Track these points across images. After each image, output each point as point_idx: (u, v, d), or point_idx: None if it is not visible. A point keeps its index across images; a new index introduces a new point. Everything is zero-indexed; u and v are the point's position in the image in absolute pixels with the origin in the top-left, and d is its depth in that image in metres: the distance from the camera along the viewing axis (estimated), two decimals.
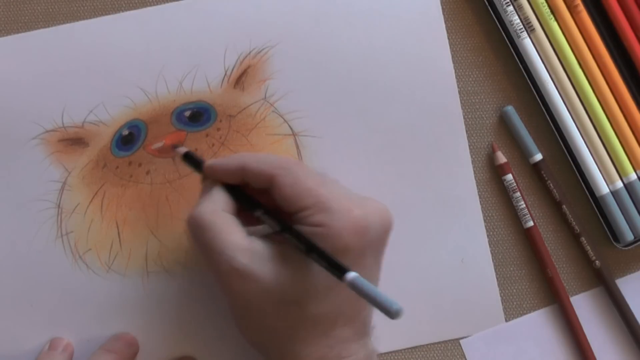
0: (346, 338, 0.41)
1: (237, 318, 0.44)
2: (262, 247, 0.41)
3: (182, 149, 0.47)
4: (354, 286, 0.36)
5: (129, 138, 0.49)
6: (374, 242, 0.41)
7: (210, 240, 0.41)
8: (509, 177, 0.50)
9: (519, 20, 0.50)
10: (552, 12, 0.50)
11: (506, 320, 0.50)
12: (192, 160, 0.46)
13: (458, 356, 0.50)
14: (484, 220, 0.50)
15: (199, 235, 0.41)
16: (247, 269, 0.40)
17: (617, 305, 0.50)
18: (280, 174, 0.41)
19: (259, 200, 0.42)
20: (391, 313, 0.35)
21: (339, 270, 0.37)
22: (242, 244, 0.41)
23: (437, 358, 0.50)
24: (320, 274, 0.39)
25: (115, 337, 0.48)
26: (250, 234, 0.42)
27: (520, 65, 0.50)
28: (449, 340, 0.50)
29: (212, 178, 0.44)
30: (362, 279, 0.36)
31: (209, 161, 0.44)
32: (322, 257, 0.38)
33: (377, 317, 0.45)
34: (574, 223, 0.50)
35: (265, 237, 0.42)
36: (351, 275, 0.36)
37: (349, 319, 0.41)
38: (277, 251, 0.41)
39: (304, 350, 0.41)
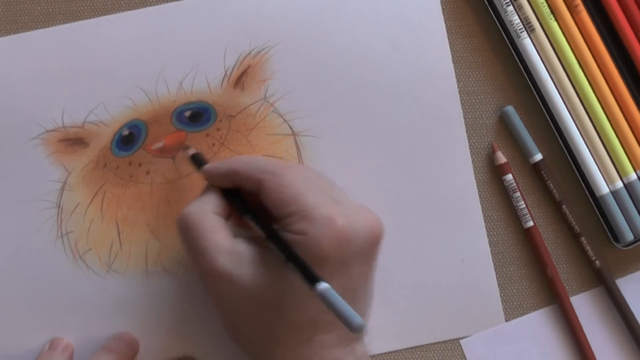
0: (329, 344, 0.41)
1: (222, 319, 0.44)
2: (246, 249, 0.41)
3: (192, 151, 0.47)
4: (321, 297, 0.36)
5: (129, 138, 0.49)
6: (359, 252, 0.41)
7: (194, 240, 0.41)
8: (509, 177, 0.50)
9: (519, 20, 0.50)
10: (552, 12, 0.50)
11: (506, 320, 0.50)
12: (199, 162, 0.46)
13: (458, 356, 0.50)
14: (484, 220, 0.50)
15: (184, 234, 0.42)
16: (227, 270, 0.40)
17: (617, 305, 0.50)
18: (266, 178, 0.41)
19: (255, 204, 0.42)
20: (352, 327, 0.34)
21: (312, 280, 0.37)
22: (225, 246, 0.41)
23: (437, 358, 0.50)
24: (300, 280, 0.39)
25: (115, 337, 0.48)
26: (239, 236, 0.42)
27: (520, 65, 0.50)
28: (449, 340, 0.50)
29: (209, 181, 0.44)
30: (332, 291, 0.36)
31: (207, 165, 0.45)
32: (298, 265, 0.38)
33: (376, 318, 0.45)
34: (574, 223, 0.50)
35: (253, 240, 0.42)
36: (321, 286, 0.36)
37: (332, 325, 0.41)
38: (261, 255, 0.41)
39: (287, 355, 0.41)
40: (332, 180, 0.44)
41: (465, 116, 0.51)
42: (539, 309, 0.51)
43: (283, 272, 0.40)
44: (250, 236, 0.42)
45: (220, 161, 0.45)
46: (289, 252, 0.39)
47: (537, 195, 0.51)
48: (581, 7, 0.49)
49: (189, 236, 0.41)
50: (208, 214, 0.42)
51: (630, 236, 0.49)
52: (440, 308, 0.50)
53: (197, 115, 0.49)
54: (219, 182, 0.44)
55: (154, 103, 0.49)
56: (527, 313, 0.51)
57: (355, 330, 0.34)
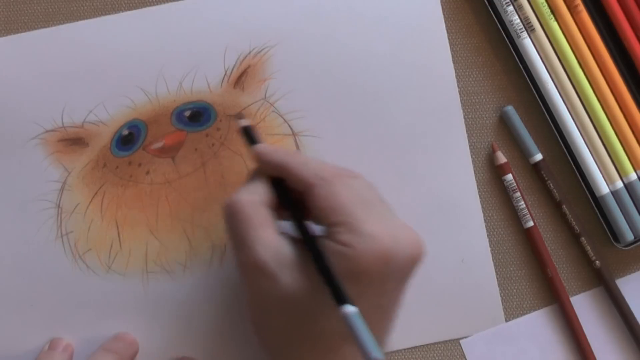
0: (355, 356, 0.41)
1: (252, 314, 0.43)
2: (289, 251, 0.40)
3: (245, 122, 0.46)
4: (346, 319, 0.36)
5: (128, 138, 0.49)
6: (397, 271, 0.40)
7: (242, 231, 0.40)
8: (509, 177, 0.50)
9: (519, 20, 0.50)
10: (552, 12, 0.50)
11: (506, 320, 0.50)
12: (250, 138, 0.45)
13: (458, 356, 0.50)
14: (484, 220, 0.50)
15: (232, 223, 0.41)
16: (270, 268, 0.40)
17: (617, 305, 0.50)
18: (318, 184, 0.40)
19: (294, 198, 0.42)
20: (369, 359, 0.35)
21: (340, 299, 0.37)
22: (272, 243, 0.40)
23: (437, 358, 0.50)
24: None
25: (115, 337, 0.48)
26: (283, 230, 0.41)
27: (520, 65, 0.50)
28: (449, 340, 0.50)
29: (257, 163, 0.44)
30: (358, 316, 0.36)
31: (260, 146, 0.44)
32: (330, 280, 0.38)
33: None
34: (574, 223, 0.50)
35: (296, 242, 0.41)
36: (348, 309, 0.36)
37: None
38: (302, 260, 0.40)
39: None
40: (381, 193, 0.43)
41: (465, 116, 0.51)
42: (539, 309, 0.51)
43: (320, 280, 0.39)
44: (287, 230, 0.42)
45: (273, 148, 0.44)
46: (324, 265, 0.38)
47: (537, 195, 0.51)
48: (581, 7, 0.49)
49: (236, 226, 0.41)
50: (258, 207, 0.41)
51: (630, 236, 0.49)
52: (440, 308, 0.50)
53: (196, 115, 0.49)
54: (264, 169, 0.43)
55: (154, 103, 0.49)
56: (527, 313, 0.51)
57: None
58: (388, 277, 0.40)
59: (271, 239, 0.40)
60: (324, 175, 0.41)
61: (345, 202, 0.40)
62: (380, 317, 0.40)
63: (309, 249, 0.39)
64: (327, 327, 0.40)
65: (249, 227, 0.40)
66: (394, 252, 0.39)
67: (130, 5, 0.50)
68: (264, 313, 0.42)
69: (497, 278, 0.50)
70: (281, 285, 0.40)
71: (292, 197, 0.42)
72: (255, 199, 0.41)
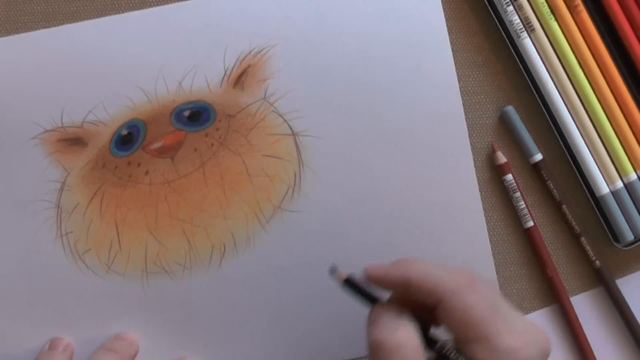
0: None
1: None
2: None
3: (343, 275, 0.41)
4: None
5: (128, 138, 0.49)
6: None
7: None
8: (509, 177, 0.50)
9: (519, 20, 0.50)
10: (552, 12, 0.49)
11: None
12: (356, 287, 0.41)
13: None
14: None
15: None
16: None
17: (617, 305, 0.50)
18: (449, 298, 0.38)
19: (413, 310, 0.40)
20: None
21: None
22: None
23: None
24: None
25: (116, 337, 0.48)
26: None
27: (520, 65, 0.50)
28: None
29: (370, 281, 0.40)
30: None
31: (371, 265, 0.40)
32: None
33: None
34: (574, 223, 0.50)
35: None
36: None
37: None
38: None
39: None
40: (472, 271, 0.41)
41: (466, 116, 0.50)
42: (539, 309, 0.51)
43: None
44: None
45: (388, 264, 0.40)
46: None
47: (537, 195, 0.51)
48: (581, 7, 0.49)
49: None
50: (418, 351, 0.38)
51: (630, 236, 0.49)
52: None
53: (196, 114, 0.49)
54: (382, 284, 0.40)
55: (153, 103, 0.49)
56: (527, 313, 0.51)
57: None
58: None
59: None
60: (453, 288, 0.38)
61: (480, 315, 0.38)
62: None
63: None
64: None
65: None
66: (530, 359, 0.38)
67: (130, 5, 0.50)
68: None
69: (497, 278, 0.50)
70: None
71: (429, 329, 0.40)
72: (412, 340, 0.38)
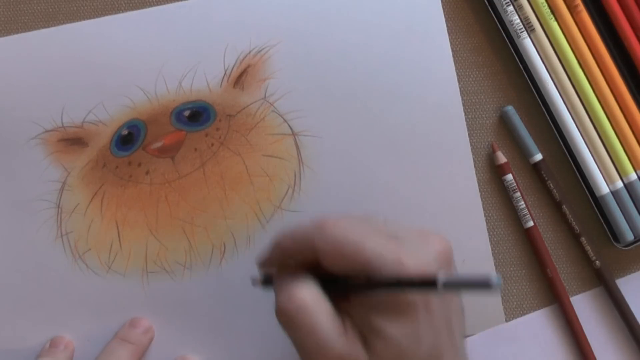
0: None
1: None
2: (351, 328, 0.38)
3: (255, 277, 0.43)
4: (448, 287, 0.34)
5: (128, 138, 0.49)
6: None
7: (306, 339, 0.37)
8: (509, 177, 0.50)
9: (519, 20, 0.50)
10: (552, 12, 0.50)
11: (506, 320, 0.50)
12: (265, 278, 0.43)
13: None
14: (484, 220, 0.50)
15: (295, 329, 0.37)
16: (354, 356, 0.37)
17: (617, 305, 0.50)
18: (317, 237, 0.38)
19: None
20: (491, 285, 0.32)
21: (431, 283, 0.35)
22: (339, 331, 0.37)
23: None
24: (387, 326, 0.36)
25: (130, 324, 0.48)
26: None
27: (520, 65, 0.50)
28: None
29: (266, 270, 0.42)
30: (450, 274, 0.34)
31: (257, 259, 0.42)
32: (411, 281, 0.36)
33: None
34: (574, 223, 0.50)
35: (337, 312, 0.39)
36: (440, 279, 0.34)
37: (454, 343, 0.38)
38: (354, 326, 0.38)
39: None
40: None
41: (466, 116, 0.50)
42: (539, 309, 0.51)
43: (379, 339, 0.37)
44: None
45: (300, 231, 0.40)
46: (399, 279, 0.36)
47: (537, 195, 0.51)
48: (581, 7, 0.49)
49: (299, 334, 0.37)
50: (321, 303, 0.38)
51: (630, 236, 0.49)
52: None
53: (196, 114, 0.49)
54: (270, 267, 0.41)
55: (153, 102, 0.49)
56: (527, 313, 0.51)
57: (496, 287, 0.32)
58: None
59: (336, 327, 0.37)
60: (317, 224, 0.38)
61: (352, 240, 0.37)
62: (436, 343, 0.37)
63: (381, 285, 0.37)
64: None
65: (312, 332, 0.37)
66: (422, 269, 0.37)
67: (130, 5, 0.50)
68: None
69: None
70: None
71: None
72: (304, 296, 0.38)
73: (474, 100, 0.51)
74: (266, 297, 0.48)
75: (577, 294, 0.51)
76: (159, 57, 0.49)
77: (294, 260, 0.40)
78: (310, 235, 0.38)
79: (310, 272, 0.39)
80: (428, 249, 0.38)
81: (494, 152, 0.50)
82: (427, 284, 0.35)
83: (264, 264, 0.42)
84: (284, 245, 0.40)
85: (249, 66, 0.49)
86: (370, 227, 0.38)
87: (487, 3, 0.50)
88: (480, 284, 0.33)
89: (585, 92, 0.49)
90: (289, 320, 0.37)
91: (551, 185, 0.50)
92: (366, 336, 0.37)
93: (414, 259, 0.36)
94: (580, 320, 0.50)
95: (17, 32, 0.49)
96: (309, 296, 0.37)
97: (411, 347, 0.36)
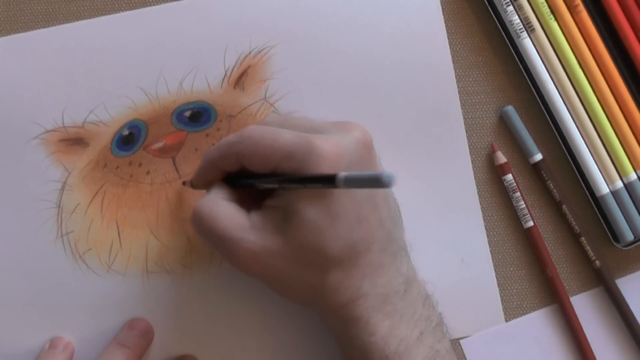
0: (377, 264, 0.41)
1: (274, 290, 0.44)
2: (260, 218, 0.41)
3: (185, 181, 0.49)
4: (347, 183, 0.36)
5: (129, 138, 0.49)
6: (354, 163, 0.40)
7: (214, 229, 0.41)
8: (509, 177, 0.50)
9: (519, 20, 0.50)
10: (552, 12, 0.50)
11: (506, 320, 0.50)
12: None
13: (458, 356, 0.50)
14: (484, 220, 0.50)
15: (202, 227, 0.42)
16: (259, 245, 0.40)
17: (617, 305, 0.50)
18: (239, 147, 0.41)
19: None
20: (385, 183, 0.34)
21: (331, 180, 0.37)
22: (245, 223, 0.41)
23: None
24: (311, 213, 0.39)
25: (129, 326, 0.48)
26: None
27: (520, 65, 0.50)
28: (449, 340, 0.50)
29: (199, 186, 0.46)
30: (350, 173, 0.36)
31: (191, 178, 0.47)
32: (313, 179, 0.38)
33: None
34: (574, 223, 0.50)
35: (254, 209, 0.42)
36: (339, 176, 0.36)
37: (370, 246, 0.41)
38: (271, 218, 0.41)
39: (344, 282, 0.41)
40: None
41: (465, 116, 0.51)
42: (539, 309, 0.51)
43: (294, 221, 0.40)
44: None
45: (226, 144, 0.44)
46: (299, 177, 0.39)
47: (537, 195, 0.51)
48: (581, 7, 0.49)
49: (208, 227, 0.41)
50: (218, 201, 0.42)
51: (630, 236, 0.49)
52: (440, 308, 0.50)
53: (197, 115, 0.49)
54: (208, 181, 0.45)
55: (154, 103, 0.49)
56: (527, 313, 0.51)
57: (388, 184, 0.34)
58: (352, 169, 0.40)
59: (244, 220, 0.41)
60: (237, 135, 0.42)
61: (268, 141, 0.41)
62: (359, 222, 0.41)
63: (284, 182, 0.40)
64: (333, 252, 0.40)
65: (219, 222, 0.41)
66: (339, 156, 0.39)
67: (130, 5, 0.50)
68: (281, 282, 0.43)
69: (497, 278, 0.50)
70: (276, 250, 0.40)
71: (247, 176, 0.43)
72: (213, 197, 0.43)
73: (474, 100, 0.51)
74: (266, 297, 0.48)
75: (577, 294, 0.51)
76: (160, 58, 0.49)
77: (218, 171, 0.44)
78: (232, 143, 0.42)
79: (236, 179, 0.43)
80: (345, 137, 0.41)
81: (494, 152, 0.50)
82: (328, 180, 0.37)
83: (196, 177, 0.46)
84: (211, 156, 0.43)
85: (249, 67, 0.49)
86: (290, 124, 0.42)
87: (487, 3, 0.50)
88: (375, 181, 0.35)
89: (585, 92, 0.49)
90: (197, 229, 0.42)
91: (551, 185, 0.50)
92: (287, 221, 0.40)
93: (328, 145, 0.39)
94: (580, 320, 0.50)
95: (17, 32, 0.49)
96: (208, 205, 0.42)
97: (326, 224, 0.40)
